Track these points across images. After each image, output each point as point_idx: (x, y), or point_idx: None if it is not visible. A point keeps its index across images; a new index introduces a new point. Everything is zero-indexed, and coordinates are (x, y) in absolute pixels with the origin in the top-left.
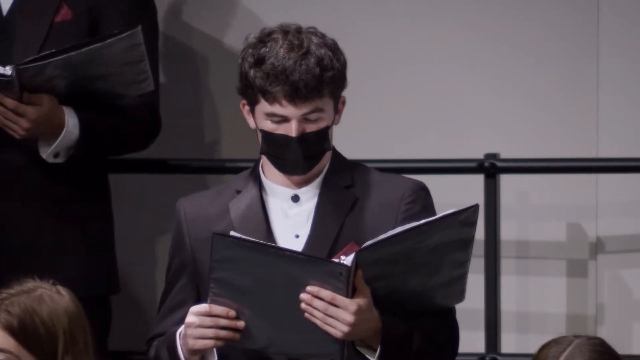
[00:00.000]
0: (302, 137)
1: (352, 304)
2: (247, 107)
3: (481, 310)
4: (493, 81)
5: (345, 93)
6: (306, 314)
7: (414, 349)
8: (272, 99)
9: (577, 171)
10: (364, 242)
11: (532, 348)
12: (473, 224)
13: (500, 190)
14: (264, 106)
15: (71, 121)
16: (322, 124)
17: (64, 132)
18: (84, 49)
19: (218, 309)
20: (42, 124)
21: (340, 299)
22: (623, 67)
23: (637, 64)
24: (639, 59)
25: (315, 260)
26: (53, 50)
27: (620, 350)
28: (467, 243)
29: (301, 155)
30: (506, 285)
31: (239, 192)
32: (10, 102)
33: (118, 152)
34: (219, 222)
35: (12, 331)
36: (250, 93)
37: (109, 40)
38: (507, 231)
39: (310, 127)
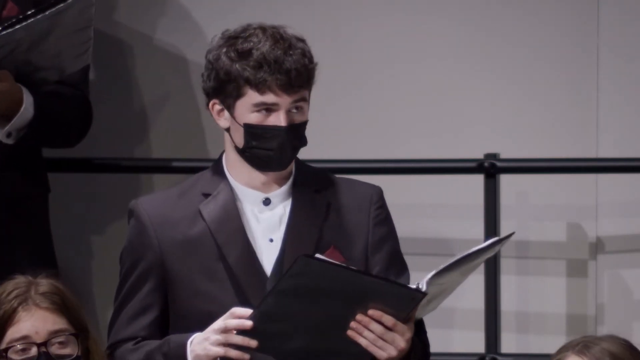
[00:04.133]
0: (291, 127)
1: (408, 331)
2: (217, 107)
3: (481, 310)
4: (493, 81)
5: (346, 93)
6: (350, 332)
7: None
8: (265, 89)
9: (577, 171)
10: (341, 247)
11: (532, 348)
12: (498, 248)
13: (500, 190)
14: (251, 97)
15: (27, 99)
16: (304, 116)
17: (22, 109)
18: (48, 12)
19: (236, 339)
20: (2, 100)
21: (400, 326)
22: (623, 67)
23: (637, 64)
24: (639, 59)
25: (395, 285)
26: (14, 20)
27: None
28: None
29: (289, 146)
30: (506, 285)
31: (206, 194)
32: None
33: (59, 140)
34: (190, 225)
35: (59, 308)
36: (232, 88)
37: (60, 5)
38: (507, 231)
39: (297, 118)
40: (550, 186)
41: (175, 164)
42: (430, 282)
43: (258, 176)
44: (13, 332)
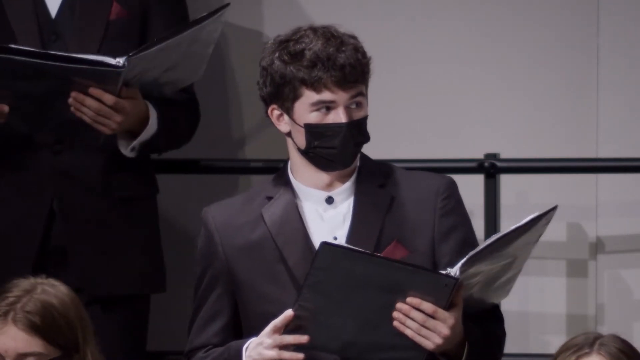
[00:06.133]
0: (352, 123)
1: (450, 318)
2: (276, 112)
3: None
4: (493, 81)
5: None
6: (396, 323)
7: (488, 352)
8: (320, 87)
9: (577, 171)
10: (405, 241)
11: (532, 348)
12: (546, 225)
13: (500, 190)
14: (309, 97)
15: (153, 115)
16: (364, 112)
17: (148, 126)
18: (186, 32)
19: (288, 338)
20: (132, 117)
21: (441, 312)
22: (623, 67)
23: (637, 64)
24: (639, 59)
25: (423, 271)
26: (155, 39)
27: None
28: (532, 244)
29: (352, 142)
30: None
31: (269, 198)
32: (109, 98)
33: (171, 147)
34: (253, 229)
35: (36, 330)
36: (289, 90)
37: (205, 22)
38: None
39: (357, 114)
40: (550, 186)
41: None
42: (464, 268)
43: (322, 177)
44: None
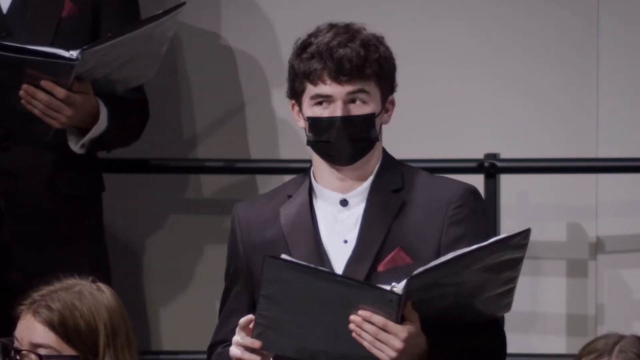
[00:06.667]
0: (347, 118)
1: (402, 331)
2: (296, 108)
3: None
4: (493, 81)
5: None
6: (354, 334)
7: None
8: (316, 79)
9: (577, 171)
10: (410, 248)
11: (532, 348)
12: (524, 246)
13: (500, 190)
14: (309, 91)
15: (103, 112)
16: (367, 109)
17: (99, 122)
18: (142, 28)
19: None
20: (82, 113)
21: (392, 326)
22: (623, 67)
23: (637, 64)
24: (639, 59)
25: (365, 286)
26: (110, 34)
27: None
28: (517, 262)
29: (347, 138)
30: None
31: (290, 196)
32: (60, 91)
33: (121, 145)
34: (270, 227)
35: (52, 326)
36: (297, 85)
37: (162, 19)
38: (507, 231)
39: (356, 110)
40: (550, 186)
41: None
42: (409, 285)
43: (336, 175)
44: (16, 328)
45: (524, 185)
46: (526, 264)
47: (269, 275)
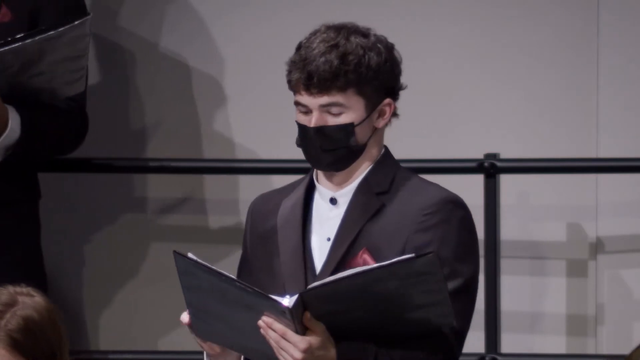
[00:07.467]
0: (320, 129)
1: (302, 342)
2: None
3: (481, 310)
4: (493, 81)
5: None
6: (266, 337)
7: None
8: (293, 87)
9: (577, 171)
10: (377, 250)
11: (532, 348)
12: (432, 273)
13: (500, 190)
14: (294, 96)
15: (14, 120)
16: (344, 120)
17: (7, 130)
18: (37, 37)
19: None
20: None
21: (291, 335)
22: (623, 67)
23: (637, 64)
24: (639, 59)
25: (261, 295)
26: (5, 40)
27: (620, 350)
28: (432, 282)
29: (319, 148)
30: (506, 285)
31: (294, 189)
32: None
33: (50, 154)
34: (270, 219)
35: (18, 348)
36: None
37: (61, 29)
38: (507, 231)
39: (331, 121)
40: (551, 186)
41: (173, 164)
42: (304, 297)
43: (326, 173)
44: None
45: (524, 185)
46: (526, 264)
47: (182, 269)
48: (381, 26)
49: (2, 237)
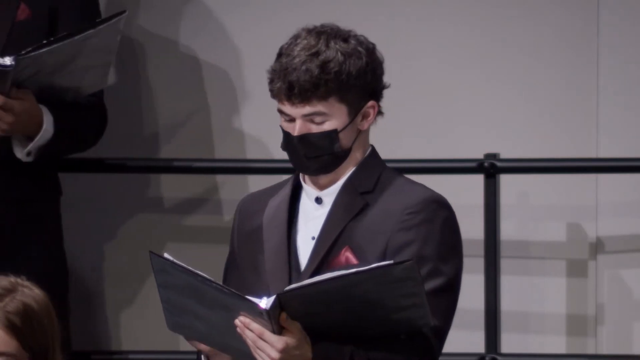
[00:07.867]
0: (303, 137)
1: (278, 342)
2: None
3: (481, 310)
4: (493, 81)
5: None
6: (243, 336)
7: None
8: (275, 96)
9: (577, 171)
10: (359, 249)
11: (532, 348)
12: (411, 279)
13: (500, 190)
14: (278, 104)
15: (47, 120)
16: (327, 127)
17: (42, 130)
18: (77, 37)
19: None
20: (24, 120)
21: (268, 335)
22: (623, 67)
23: (637, 64)
24: (639, 59)
25: (237, 296)
26: (45, 41)
27: (620, 350)
28: (407, 289)
29: (303, 156)
30: (506, 285)
31: (282, 189)
32: None
33: (75, 150)
34: (257, 218)
35: (15, 331)
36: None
37: (100, 27)
38: (507, 231)
39: (315, 129)
40: (550, 186)
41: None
42: (281, 298)
43: (310, 177)
44: None
45: (524, 185)
46: (526, 264)
47: (157, 268)
48: (381, 26)
49: (25, 234)
